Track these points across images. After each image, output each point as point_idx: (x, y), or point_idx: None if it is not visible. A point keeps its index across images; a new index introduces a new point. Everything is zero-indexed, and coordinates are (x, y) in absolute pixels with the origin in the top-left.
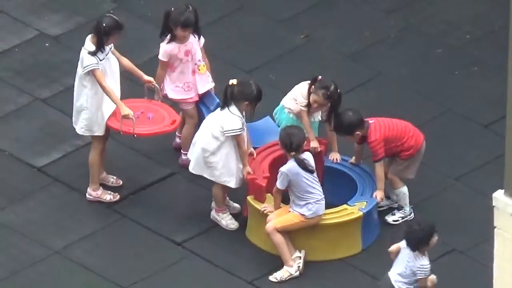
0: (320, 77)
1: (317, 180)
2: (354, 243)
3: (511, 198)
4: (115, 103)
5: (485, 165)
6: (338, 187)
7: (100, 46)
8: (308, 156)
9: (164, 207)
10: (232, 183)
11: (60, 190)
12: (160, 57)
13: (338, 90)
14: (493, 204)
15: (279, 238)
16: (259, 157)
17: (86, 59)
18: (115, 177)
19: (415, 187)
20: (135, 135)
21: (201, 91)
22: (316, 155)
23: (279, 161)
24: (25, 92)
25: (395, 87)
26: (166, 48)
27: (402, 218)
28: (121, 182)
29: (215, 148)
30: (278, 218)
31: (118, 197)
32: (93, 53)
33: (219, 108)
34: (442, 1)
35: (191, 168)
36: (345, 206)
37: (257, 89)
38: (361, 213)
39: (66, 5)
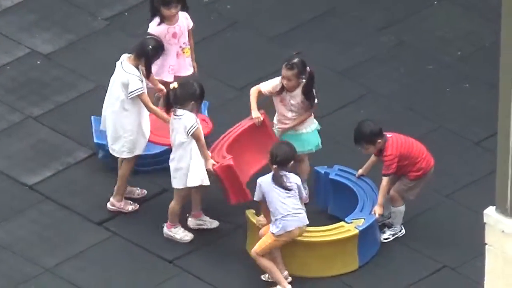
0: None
1: (292, 195)
2: (350, 261)
3: (502, 215)
4: (160, 117)
5: (476, 181)
6: (340, 200)
7: (149, 69)
8: (292, 177)
9: (155, 224)
10: (207, 181)
11: (51, 208)
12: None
13: (308, 68)
14: (484, 220)
15: (264, 262)
16: (215, 149)
17: (133, 83)
18: (139, 189)
19: (406, 204)
20: None
21: (183, 74)
22: (261, 126)
23: (236, 144)
24: (17, 109)
25: (386, 104)
26: (155, 30)
27: (393, 235)
28: (145, 192)
29: (187, 153)
30: (259, 241)
31: (137, 207)
32: (141, 78)
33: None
34: (434, 18)
35: (173, 185)
36: (342, 223)
37: (200, 87)
38: (357, 231)
39: (57, 23)
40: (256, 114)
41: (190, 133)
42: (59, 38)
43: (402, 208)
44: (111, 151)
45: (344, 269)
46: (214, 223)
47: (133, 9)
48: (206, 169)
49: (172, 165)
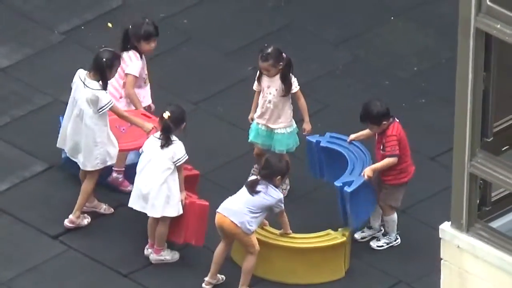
0: (266, 45)
1: (250, 197)
2: (337, 268)
3: (457, 230)
4: (137, 124)
5: (432, 197)
6: (334, 167)
7: (106, 81)
8: (273, 193)
9: (111, 238)
10: (179, 211)
11: (6, 221)
12: (134, 73)
13: (284, 54)
14: (440, 236)
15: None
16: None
17: (103, 99)
18: (107, 205)
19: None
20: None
21: (146, 103)
22: (192, 178)
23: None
24: None
25: (343, 119)
26: (139, 65)
27: (387, 244)
28: (112, 210)
29: (176, 181)
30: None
31: (90, 220)
32: (104, 89)
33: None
34: (390, 34)
35: (157, 214)
36: (329, 230)
37: (182, 108)
38: (344, 239)
39: (14, 37)
40: (250, 116)
41: (178, 164)
42: (16, 52)
43: (394, 216)
44: (83, 167)
45: (330, 277)
46: (174, 255)
47: (90, 23)
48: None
49: (156, 191)
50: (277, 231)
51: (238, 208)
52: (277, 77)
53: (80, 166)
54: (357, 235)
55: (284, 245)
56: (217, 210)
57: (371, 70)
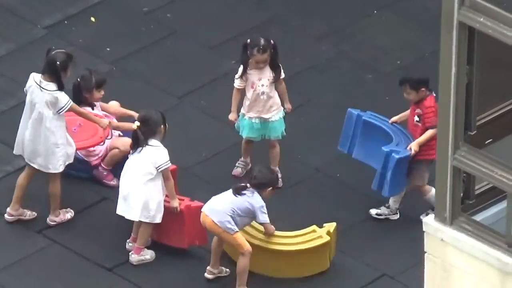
0: (248, 40)
1: (234, 198)
2: (322, 262)
3: (441, 224)
4: (93, 121)
5: (415, 191)
6: (368, 145)
7: (62, 82)
8: (255, 200)
9: (95, 232)
10: (160, 219)
11: None
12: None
13: (272, 41)
14: (424, 229)
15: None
16: None
17: (62, 99)
18: (29, 211)
19: (345, 212)
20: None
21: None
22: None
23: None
24: None
25: (326, 113)
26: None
27: (385, 215)
28: (35, 214)
29: (151, 188)
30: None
31: (73, 213)
32: (62, 90)
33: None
34: (373, 28)
35: (134, 217)
36: (314, 227)
37: (159, 112)
38: (328, 238)
39: None
40: (232, 116)
41: (161, 169)
42: None
43: (432, 192)
44: (46, 170)
45: (315, 270)
46: (152, 254)
47: (73, 17)
48: (173, 207)
49: (134, 193)
50: (262, 230)
51: (221, 208)
52: (266, 67)
53: (42, 169)
54: (373, 211)
55: (268, 248)
56: (202, 209)
57: (354, 64)
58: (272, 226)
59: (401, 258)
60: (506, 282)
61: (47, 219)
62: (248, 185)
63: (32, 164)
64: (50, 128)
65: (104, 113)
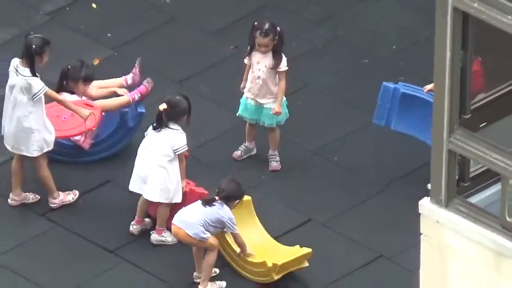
0: (256, 22)
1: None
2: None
3: (437, 206)
4: (73, 110)
5: (412, 173)
6: (408, 115)
7: (35, 67)
8: (225, 212)
9: (98, 215)
10: (179, 199)
11: None
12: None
13: (278, 29)
14: (420, 211)
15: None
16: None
17: (35, 85)
18: (32, 194)
19: (343, 195)
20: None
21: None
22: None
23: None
24: None
25: (323, 96)
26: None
27: None
28: (39, 197)
29: (169, 170)
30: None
31: (77, 194)
32: (36, 76)
33: (153, 133)
34: (369, 13)
35: (153, 198)
36: (265, 261)
37: (187, 100)
38: (310, 250)
39: (0, 18)
40: (242, 84)
41: (178, 152)
42: (2, 32)
43: None
44: (18, 152)
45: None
46: (174, 239)
47: (74, 4)
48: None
49: (153, 174)
50: (237, 250)
51: (194, 220)
52: (269, 53)
53: (15, 152)
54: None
55: (247, 267)
56: (172, 221)
57: (350, 49)
58: (241, 237)
59: (398, 239)
60: (500, 263)
61: (49, 202)
62: (216, 197)
63: (7, 146)
64: (23, 113)
65: (90, 101)
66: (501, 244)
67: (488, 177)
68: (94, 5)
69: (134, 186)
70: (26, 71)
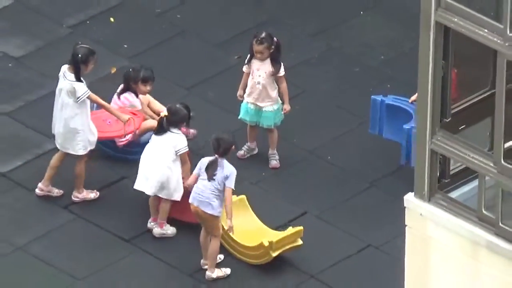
0: (256, 33)
1: (210, 183)
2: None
3: (420, 200)
4: (114, 114)
5: (397, 171)
6: (394, 124)
7: (79, 74)
8: (227, 169)
9: (114, 208)
10: (178, 197)
11: (21, 193)
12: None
13: (275, 39)
14: (405, 205)
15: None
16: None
17: (79, 89)
18: (57, 189)
19: (335, 190)
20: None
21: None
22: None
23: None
24: None
25: (318, 102)
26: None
27: None
28: (62, 192)
29: (172, 170)
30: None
31: (98, 194)
32: (81, 81)
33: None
34: (360, 26)
35: (151, 192)
36: (262, 242)
37: (187, 109)
38: (301, 227)
39: (27, 30)
40: (238, 93)
41: (179, 153)
42: (29, 43)
43: None
44: (64, 150)
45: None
46: (173, 230)
47: (94, 18)
48: (187, 185)
49: (155, 171)
50: (235, 238)
51: (208, 195)
52: (267, 60)
53: (62, 150)
54: None
55: (243, 252)
56: (189, 200)
57: (343, 59)
58: (231, 195)
59: (385, 230)
60: (477, 251)
61: (72, 195)
62: (216, 156)
63: (57, 144)
64: (70, 114)
65: (135, 110)
66: (478, 234)
67: (467, 174)
68: (112, 19)
69: (139, 184)
70: (72, 76)
